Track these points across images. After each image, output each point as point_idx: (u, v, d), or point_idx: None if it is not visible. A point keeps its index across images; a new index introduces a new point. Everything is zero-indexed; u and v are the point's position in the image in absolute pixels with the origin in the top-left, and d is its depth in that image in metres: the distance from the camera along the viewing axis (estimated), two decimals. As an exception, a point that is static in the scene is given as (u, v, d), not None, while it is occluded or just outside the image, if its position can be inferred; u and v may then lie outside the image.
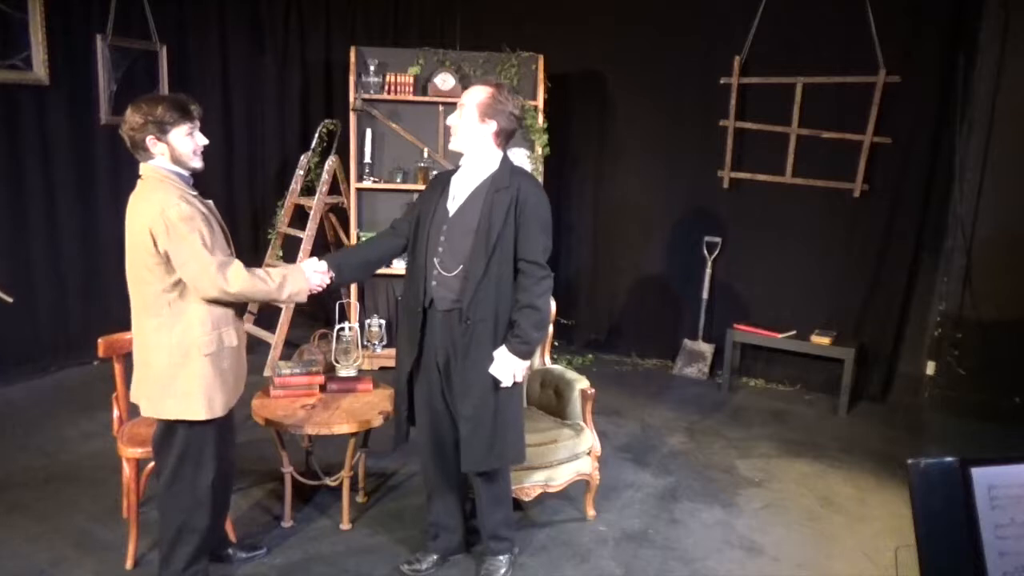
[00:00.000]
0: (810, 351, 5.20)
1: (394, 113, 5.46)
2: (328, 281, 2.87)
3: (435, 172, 3.14)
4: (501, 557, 3.04)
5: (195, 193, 2.60)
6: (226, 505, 2.96)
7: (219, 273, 2.48)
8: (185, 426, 2.61)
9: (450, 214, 2.80)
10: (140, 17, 5.33)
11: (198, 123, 2.59)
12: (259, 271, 2.64)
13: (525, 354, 2.74)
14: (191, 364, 2.55)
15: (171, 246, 2.44)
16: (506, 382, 2.74)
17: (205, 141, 2.61)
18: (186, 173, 2.60)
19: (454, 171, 2.89)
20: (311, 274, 2.79)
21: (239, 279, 2.52)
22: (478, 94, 2.75)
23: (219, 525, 2.96)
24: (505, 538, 3.05)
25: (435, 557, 3.09)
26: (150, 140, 2.51)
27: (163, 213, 2.44)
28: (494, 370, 2.73)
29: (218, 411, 2.62)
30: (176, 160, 2.55)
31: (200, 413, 2.58)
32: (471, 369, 2.75)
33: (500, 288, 2.73)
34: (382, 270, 5.49)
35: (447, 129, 2.88)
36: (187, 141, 2.54)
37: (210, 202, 2.67)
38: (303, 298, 2.76)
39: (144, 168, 2.57)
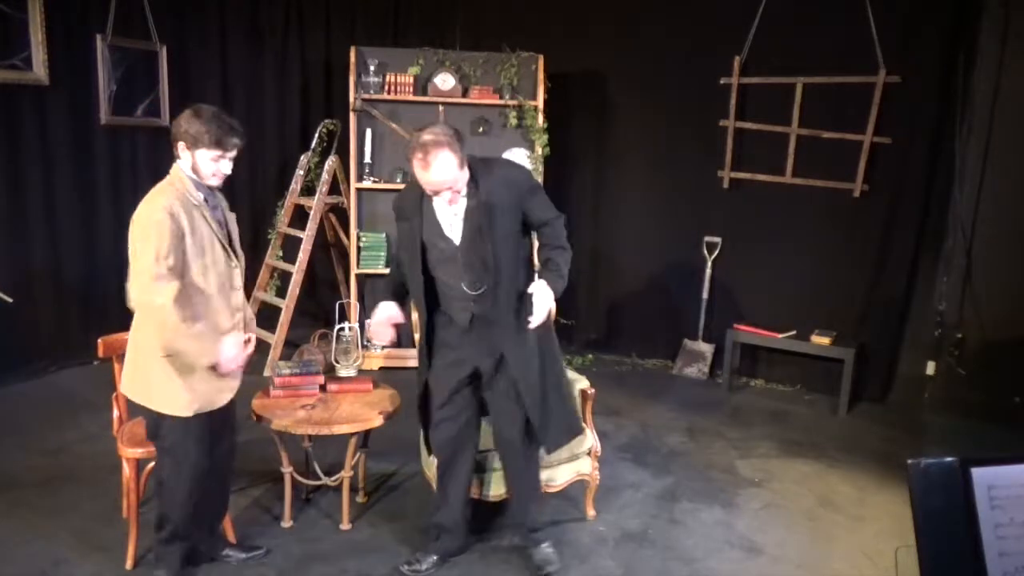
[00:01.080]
0: (810, 351, 5.20)
1: (394, 113, 5.46)
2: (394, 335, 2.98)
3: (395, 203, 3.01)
4: (547, 546, 3.11)
5: (199, 202, 2.65)
6: (216, 508, 2.98)
7: (152, 283, 2.51)
8: (164, 419, 2.70)
9: (456, 242, 2.80)
10: (140, 17, 5.33)
11: (232, 154, 2.67)
12: (200, 325, 2.59)
13: (558, 290, 2.77)
14: (152, 362, 2.65)
15: (133, 243, 2.57)
16: (540, 315, 2.70)
17: (227, 172, 2.70)
18: (204, 182, 2.69)
19: (418, 199, 2.80)
20: (237, 340, 2.71)
21: (165, 298, 2.50)
22: (452, 161, 2.62)
23: (209, 527, 2.99)
24: (542, 527, 3.15)
25: (435, 558, 3.09)
26: (182, 145, 2.63)
27: (140, 213, 2.57)
28: (537, 294, 2.69)
29: (181, 411, 2.67)
30: (195, 170, 2.66)
31: (163, 407, 2.67)
32: (529, 353, 2.85)
33: (518, 275, 2.84)
34: (382, 270, 5.56)
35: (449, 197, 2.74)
36: (210, 164, 2.65)
37: (223, 214, 2.76)
38: (205, 363, 2.67)
39: (173, 167, 2.69)
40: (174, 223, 2.54)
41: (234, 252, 2.78)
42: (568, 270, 2.82)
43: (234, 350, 2.69)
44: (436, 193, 2.70)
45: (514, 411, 2.91)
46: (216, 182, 2.70)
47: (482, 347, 2.88)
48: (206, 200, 2.69)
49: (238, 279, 2.79)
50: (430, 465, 3.29)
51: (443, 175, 2.63)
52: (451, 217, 2.79)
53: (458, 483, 3.05)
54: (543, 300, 2.70)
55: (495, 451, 3.14)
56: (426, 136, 2.62)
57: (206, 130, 2.59)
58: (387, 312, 2.93)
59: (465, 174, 2.72)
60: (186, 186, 2.64)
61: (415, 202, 2.84)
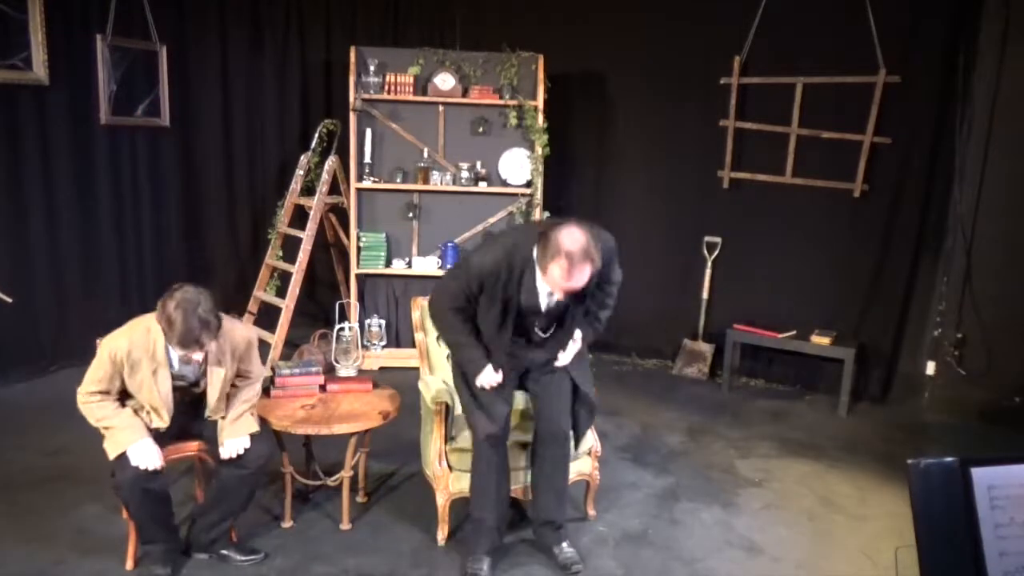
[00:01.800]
0: (810, 351, 5.20)
1: (394, 113, 5.46)
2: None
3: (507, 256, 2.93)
4: (568, 545, 3.17)
5: (160, 362, 2.85)
6: (209, 524, 3.04)
7: (80, 390, 2.90)
8: None
9: (543, 308, 2.94)
10: (140, 17, 5.33)
11: (199, 352, 2.79)
12: (114, 421, 2.87)
13: (589, 338, 3.12)
14: None
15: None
16: (569, 358, 3.06)
17: (198, 359, 2.84)
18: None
19: (519, 275, 2.84)
20: (149, 452, 2.82)
21: (82, 405, 2.93)
22: (590, 272, 2.70)
23: (204, 531, 3.05)
24: (565, 524, 3.23)
25: (489, 559, 3.07)
26: (160, 322, 2.74)
27: (111, 336, 2.85)
28: (573, 342, 3.05)
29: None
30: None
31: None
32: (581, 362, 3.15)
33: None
34: (382, 270, 5.57)
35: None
36: (178, 351, 2.79)
37: (201, 371, 2.95)
38: (109, 451, 2.87)
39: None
40: (117, 362, 2.82)
41: (178, 400, 2.95)
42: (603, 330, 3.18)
43: (140, 460, 2.79)
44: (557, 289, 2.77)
45: (566, 401, 3.10)
46: (186, 362, 2.85)
47: (534, 355, 3.11)
48: (170, 362, 2.87)
49: (160, 419, 2.93)
50: (429, 463, 3.29)
51: (580, 284, 2.72)
52: (548, 294, 2.88)
53: (506, 479, 3.12)
54: (576, 347, 3.05)
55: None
56: (576, 248, 2.61)
57: (178, 331, 2.67)
58: (492, 373, 3.00)
59: None
60: (156, 344, 2.82)
61: (515, 276, 2.86)
